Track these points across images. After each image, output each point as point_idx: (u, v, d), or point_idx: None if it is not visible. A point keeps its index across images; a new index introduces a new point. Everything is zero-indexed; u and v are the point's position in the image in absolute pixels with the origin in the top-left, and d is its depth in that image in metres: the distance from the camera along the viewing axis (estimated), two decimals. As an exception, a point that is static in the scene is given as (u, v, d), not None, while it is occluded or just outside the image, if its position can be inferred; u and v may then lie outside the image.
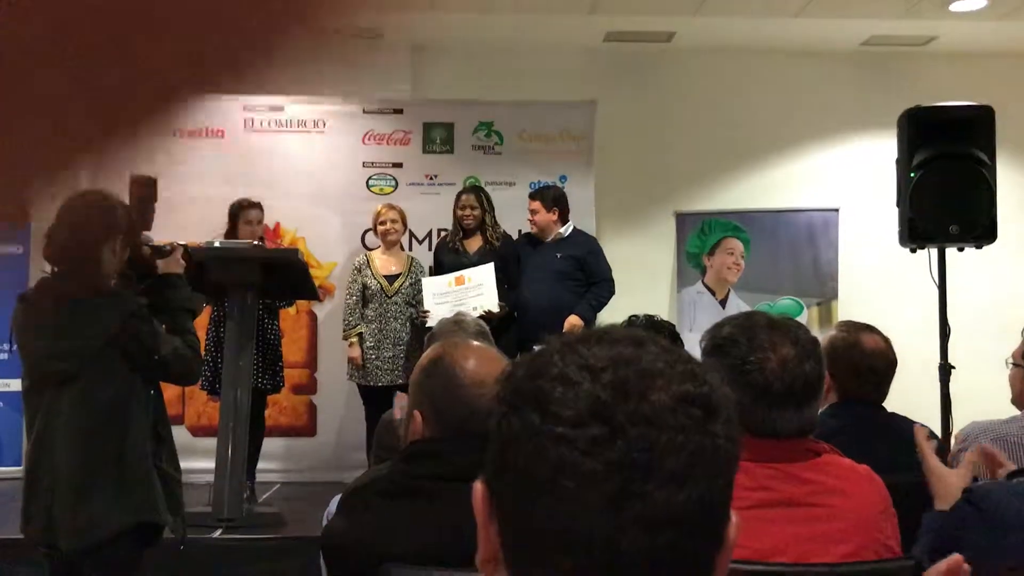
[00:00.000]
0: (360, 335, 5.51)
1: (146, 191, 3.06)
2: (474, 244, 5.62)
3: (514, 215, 5.91)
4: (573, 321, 5.25)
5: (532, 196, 5.66)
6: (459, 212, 5.62)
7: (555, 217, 5.55)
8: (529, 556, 0.72)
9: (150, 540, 2.75)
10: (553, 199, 5.58)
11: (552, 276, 5.47)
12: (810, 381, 1.76)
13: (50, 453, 2.65)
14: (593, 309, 5.45)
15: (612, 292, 5.55)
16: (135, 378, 2.71)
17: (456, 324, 2.75)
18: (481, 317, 4.89)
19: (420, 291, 5.51)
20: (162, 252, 2.96)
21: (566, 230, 5.59)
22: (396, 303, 5.52)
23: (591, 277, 5.53)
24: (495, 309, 5.30)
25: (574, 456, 0.68)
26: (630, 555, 0.68)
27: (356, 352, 5.48)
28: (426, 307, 5.39)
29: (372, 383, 5.47)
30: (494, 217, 5.68)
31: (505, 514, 0.73)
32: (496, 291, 5.36)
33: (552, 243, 5.55)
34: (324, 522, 1.84)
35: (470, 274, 5.41)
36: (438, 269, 5.67)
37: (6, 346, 5.66)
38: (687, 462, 0.69)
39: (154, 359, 2.71)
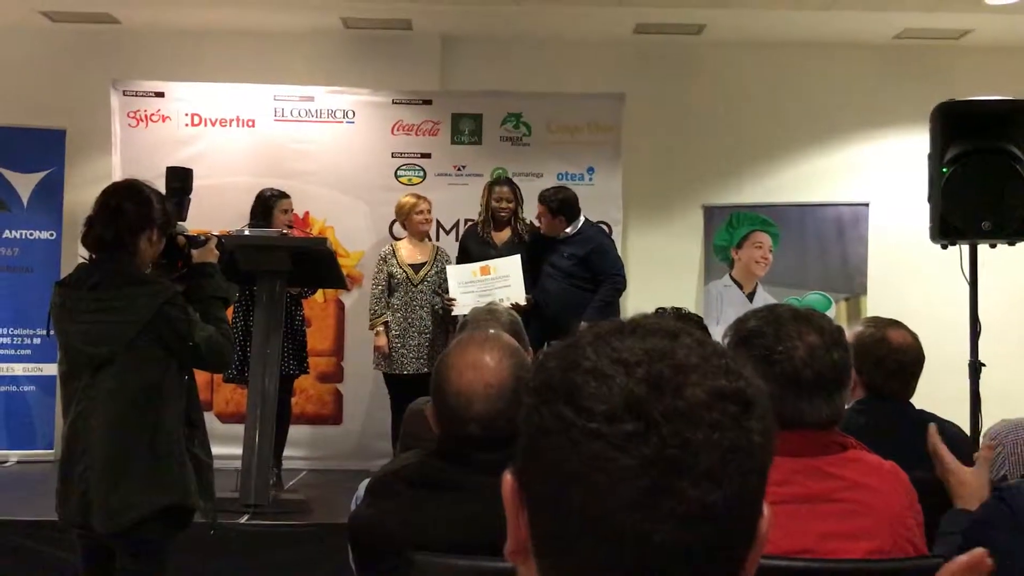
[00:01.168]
0: (386, 324, 5.54)
1: (182, 183, 3.10)
2: (503, 236, 5.65)
3: (541, 206, 5.92)
4: None
5: (540, 199, 5.58)
6: (494, 204, 5.63)
7: (561, 225, 5.54)
8: (560, 548, 0.71)
9: (182, 523, 2.80)
10: (558, 207, 5.51)
11: (559, 275, 5.50)
12: (838, 368, 1.76)
13: (85, 436, 2.70)
14: (602, 311, 5.35)
15: (621, 287, 5.52)
16: (169, 364, 2.76)
17: (489, 313, 2.75)
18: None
19: (445, 279, 5.54)
20: (197, 242, 3.00)
21: (573, 228, 5.57)
22: (421, 292, 5.56)
23: (596, 275, 5.51)
24: (522, 302, 5.31)
25: (608, 451, 0.68)
26: (663, 550, 0.68)
27: (383, 340, 5.51)
28: (451, 295, 5.42)
29: (397, 371, 5.51)
30: (522, 209, 5.71)
31: (536, 506, 0.73)
32: (523, 283, 5.39)
33: (560, 242, 5.56)
34: (352, 507, 1.86)
35: (496, 264, 5.44)
36: (464, 257, 5.69)
37: (40, 331, 5.75)
38: (722, 459, 0.68)
39: (188, 345, 2.75)
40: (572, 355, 0.73)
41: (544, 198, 5.58)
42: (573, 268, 5.50)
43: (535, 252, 5.60)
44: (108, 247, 2.76)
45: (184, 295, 2.82)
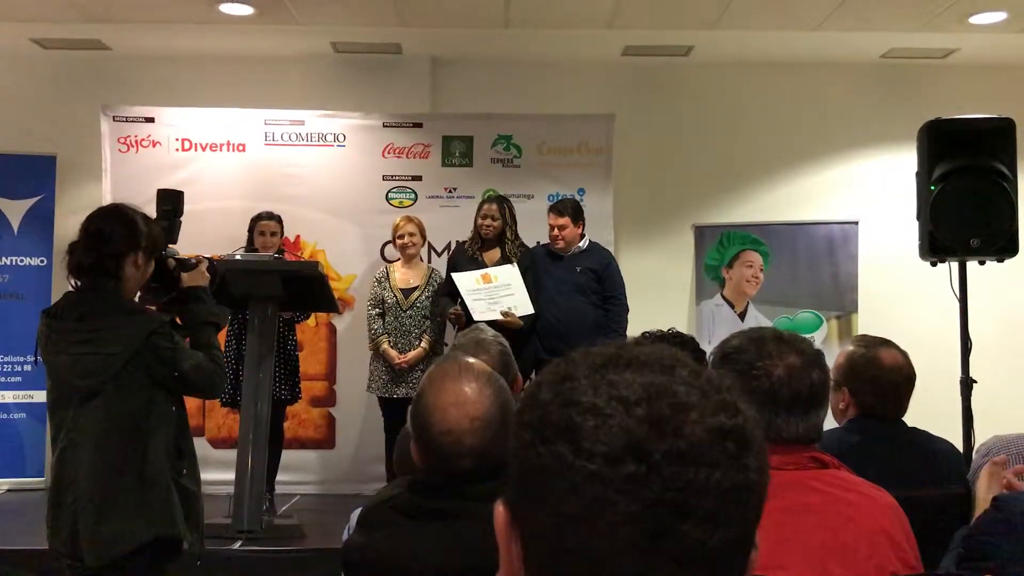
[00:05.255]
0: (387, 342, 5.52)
1: (173, 205, 3.08)
2: (492, 256, 5.54)
3: (532, 228, 5.91)
4: None
5: (557, 212, 5.48)
6: (479, 221, 5.54)
7: (580, 230, 5.51)
8: None
9: (169, 555, 2.75)
10: (578, 212, 5.51)
11: (572, 290, 5.44)
12: (816, 388, 1.80)
13: (74, 467, 2.67)
14: (624, 332, 5.37)
15: (627, 309, 5.52)
16: (156, 393, 2.71)
17: (477, 344, 2.70)
18: (499, 326, 4.83)
19: (440, 301, 5.48)
20: (187, 265, 2.96)
21: (584, 243, 5.57)
22: (411, 316, 5.53)
23: (606, 291, 5.48)
24: (531, 310, 5.26)
25: (609, 494, 0.67)
26: None
27: (392, 352, 5.46)
28: (467, 304, 5.29)
29: (389, 395, 5.49)
30: (515, 230, 5.59)
31: (531, 541, 0.72)
32: (527, 293, 5.30)
33: (571, 256, 5.51)
34: (345, 535, 1.84)
35: (496, 273, 5.36)
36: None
37: (30, 358, 5.72)
38: (722, 500, 0.68)
39: (175, 375, 2.71)
40: (568, 389, 0.72)
41: (561, 209, 5.48)
42: (588, 283, 5.44)
43: (535, 272, 5.49)
44: (90, 273, 2.71)
45: (172, 322, 2.78)
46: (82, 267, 2.72)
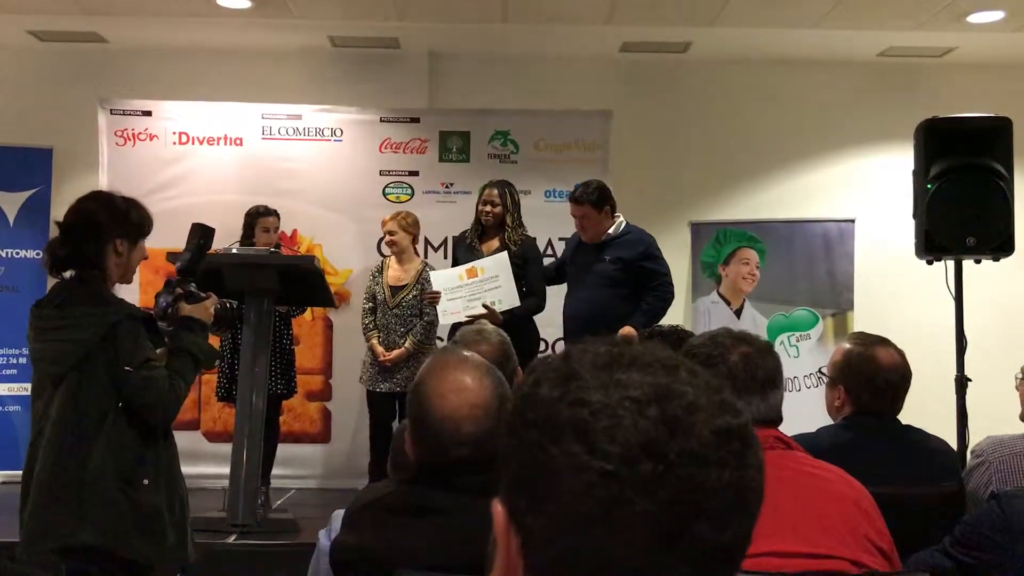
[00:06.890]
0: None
1: (203, 239, 3.02)
2: (492, 245, 5.29)
3: (529, 223, 5.88)
4: (627, 333, 4.29)
5: (577, 200, 4.97)
6: (479, 207, 5.33)
7: (608, 215, 4.97)
8: None
9: (115, 571, 2.59)
10: (600, 198, 4.93)
11: (597, 282, 4.95)
12: (771, 371, 1.98)
13: (34, 459, 2.64)
14: (650, 317, 4.86)
15: (671, 297, 5.02)
16: (112, 393, 2.60)
17: (478, 334, 2.70)
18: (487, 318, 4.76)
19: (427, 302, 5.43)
20: (195, 297, 2.88)
21: (615, 228, 5.02)
22: (396, 315, 5.49)
23: (648, 280, 4.94)
24: (517, 303, 4.98)
25: (626, 494, 0.67)
26: None
27: (379, 348, 5.45)
28: (440, 306, 5.16)
29: (375, 388, 5.50)
30: (518, 217, 5.32)
31: (534, 540, 0.71)
32: (515, 284, 5.02)
33: (601, 244, 5.00)
34: (323, 539, 1.82)
35: (484, 264, 5.11)
36: (454, 266, 5.42)
37: (25, 350, 5.72)
38: (731, 499, 0.69)
39: (124, 371, 2.58)
40: (575, 388, 0.71)
41: (580, 198, 4.94)
42: (616, 274, 4.90)
43: (537, 264, 5.29)
44: (69, 264, 2.66)
45: (149, 320, 2.70)
46: (56, 259, 2.68)
